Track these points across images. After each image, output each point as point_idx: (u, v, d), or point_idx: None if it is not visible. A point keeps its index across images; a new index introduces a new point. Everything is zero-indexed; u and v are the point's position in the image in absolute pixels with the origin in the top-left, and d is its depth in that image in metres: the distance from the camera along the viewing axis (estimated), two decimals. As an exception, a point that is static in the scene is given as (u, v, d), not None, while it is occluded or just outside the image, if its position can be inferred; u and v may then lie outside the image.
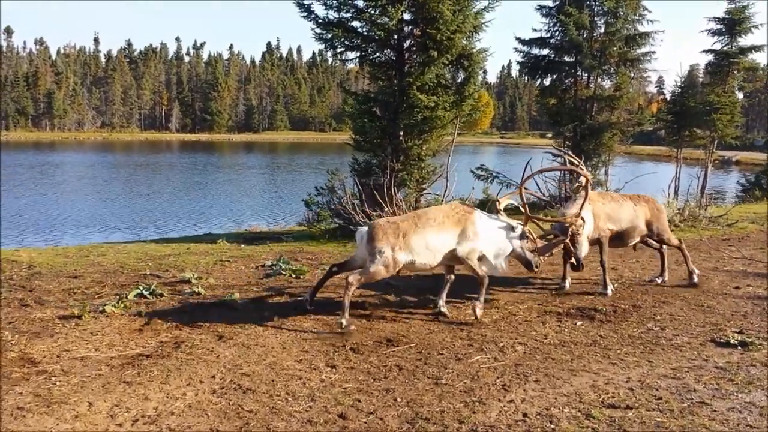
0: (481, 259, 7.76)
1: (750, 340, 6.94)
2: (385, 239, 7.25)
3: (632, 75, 20.41)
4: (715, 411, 5.22)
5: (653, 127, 24.53)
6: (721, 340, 7.03)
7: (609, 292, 9.01)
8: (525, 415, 5.14)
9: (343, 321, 7.15)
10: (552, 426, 4.94)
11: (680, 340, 7.09)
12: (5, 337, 6.75)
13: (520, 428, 4.91)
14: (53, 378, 5.76)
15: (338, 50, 13.94)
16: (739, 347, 6.81)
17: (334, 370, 6.10)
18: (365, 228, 7.56)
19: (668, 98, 27.00)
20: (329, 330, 7.28)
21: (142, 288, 8.54)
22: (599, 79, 19.80)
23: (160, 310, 7.89)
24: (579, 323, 7.67)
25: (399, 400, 5.43)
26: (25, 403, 5.21)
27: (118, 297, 8.23)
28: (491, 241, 7.82)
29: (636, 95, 20.96)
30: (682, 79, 27.19)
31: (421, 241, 7.40)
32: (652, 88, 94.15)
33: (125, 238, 18.57)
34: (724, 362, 6.38)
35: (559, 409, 5.25)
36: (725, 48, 24.64)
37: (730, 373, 6.07)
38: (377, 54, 14.02)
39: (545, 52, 19.58)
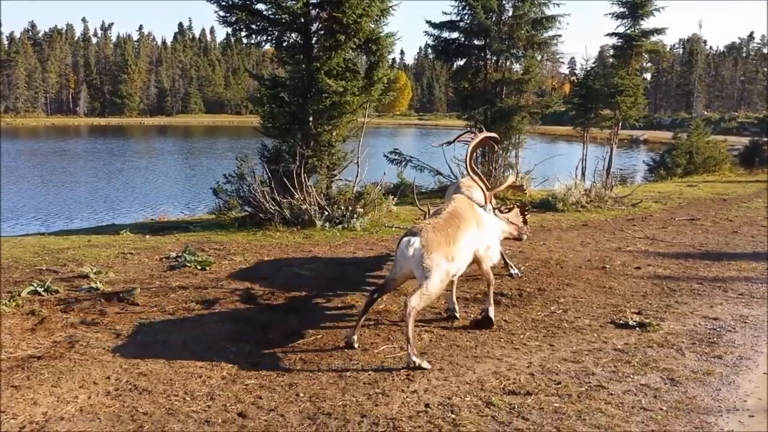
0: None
1: (648, 320, 7.16)
2: (441, 249, 6.14)
3: (540, 58, 20.76)
4: (611, 394, 5.34)
5: (565, 108, 25.06)
6: (621, 322, 7.22)
7: (515, 272, 9.15)
8: (427, 405, 5.13)
9: (416, 359, 5.82)
10: (453, 416, 4.95)
11: (581, 322, 7.25)
12: None
13: (422, 419, 4.90)
14: (-68, 387, 5.41)
15: (243, 34, 13.62)
16: (638, 328, 7.01)
17: (236, 366, 5.94)
18: (416, 239, 6.13)
19: (575, 80, 27.62)
20: (233, 324, 7.10)
21: (36, 285, 8.13)
22: (508, 63, 20.03)
23: (56, 307, 7.53)
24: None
25: (302, 395, 5.34)
26: None
27: (10, 295, 7.80)
28: (493, 229, 7.55)
29: (544, 78, 21.33)
30: (588, 62, 27.90)
31: (465, 244, 6.58)
32: (564, 70, 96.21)
33: (25, 231, 17.73)
34: (623, 344, 6.55)
35: (461, 397, 5.27)
36: (628, 31, 25.34)
37: (628, 355, 6.23)
38: (284, 38, 13.74)
39: (455, 35, 19.67)
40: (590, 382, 5.58)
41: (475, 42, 19.67)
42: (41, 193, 29.91)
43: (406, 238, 6.22)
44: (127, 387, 5.47)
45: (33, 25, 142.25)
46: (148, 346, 6.41)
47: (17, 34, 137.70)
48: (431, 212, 7.46)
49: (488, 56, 19.49)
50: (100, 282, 8.50)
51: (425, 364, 5.81)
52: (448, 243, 6.24)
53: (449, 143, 8.98)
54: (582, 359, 6.12)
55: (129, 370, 5.82)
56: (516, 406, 5.10)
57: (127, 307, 7.67)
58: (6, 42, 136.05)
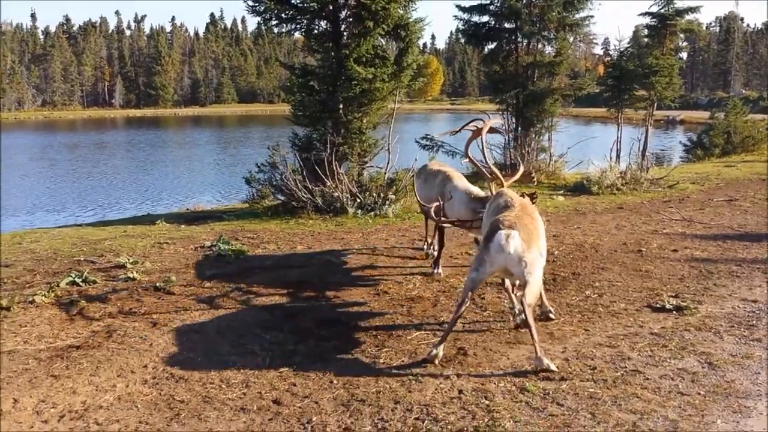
0: None
1: (685, 304, 7.06)
2: (536, 243, 5.77)
3: (572, 40, 20.46)
4: (647, 379, 5.28)
5: (598, 89, 24.66)
6: (657, 305, 7.12)
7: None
8: (460, 391, 5.12)
9: (545, 361, 5.49)
10: (487, 402, 4.93)
11: (617, 306, 7.17)
12: (-74, 334, 6.48)
13: (455, 405, 4.89)
14: (-24, 376, 5.55)
15: (273, 23, 13.63)
16: (674, 312, 6.91)
17: (270, 353, 6.00)
18: (515, 232, 5.62)
19: (608, 61, 27.10)
20: (268, 314, 7.16)
21: (74, 275, 8.28)
22: (539, 45, 19.79)
23: (93, 297, 7.66)
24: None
25: (335, 381, 5.37)
26: (-56, 404, 5.00)
27: (49, 286, 7.97)
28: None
29: (577, 60, 21.00)
30: (621, 42, 27.37)
31: (544, 237, 6.17)
32: (598, 51, 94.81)
33: (65, 222, 18.03)
34: (659, 328, 6.47)
35: (495, 383, 5.25)
36: (662, 10, 24.79)
37: (665, 339, 6.15)
38: (313, 26, 13.73)
39: (485, 19, 19.41)
40: (626, 367, 5.51)
41: (506, 25, 19.43)
42: (81, 185, 30.31)
43: (503, 233, 5.61)
44: (163, 375, 5.55)
45: (68, 19, 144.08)
46: (184, 334, 6.50)
47: (52, 29, 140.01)
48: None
49: (519, 39, 19.25)
50: (137, 272, 8.64)
51: (553, 366, 5.45)
52: (538, 236, 5.88)
53: (455, 132, 8.94)
54: (617, 344, 6.06)
55: (165, 358, 5.91)
56: (550, 392, 5.07)
57: (163, 296, 7.79)
58: (42, 36, 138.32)
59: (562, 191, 15.88)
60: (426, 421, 4.65)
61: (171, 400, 5.10)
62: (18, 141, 59.98)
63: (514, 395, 5.03)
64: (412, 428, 4.58)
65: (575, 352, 5.88)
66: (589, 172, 16.61)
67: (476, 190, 8.04)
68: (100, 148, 51.52)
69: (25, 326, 6.74)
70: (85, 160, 41.98)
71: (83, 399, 5.12)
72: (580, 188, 15.97)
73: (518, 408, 4.82)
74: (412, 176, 13.97)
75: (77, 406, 5.00)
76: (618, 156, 19.85)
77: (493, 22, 19.53)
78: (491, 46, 20.06)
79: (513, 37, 19.33)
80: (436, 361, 5.66)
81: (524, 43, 19.47)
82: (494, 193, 7.09)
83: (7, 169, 36.57)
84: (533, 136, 19.17)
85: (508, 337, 6.29)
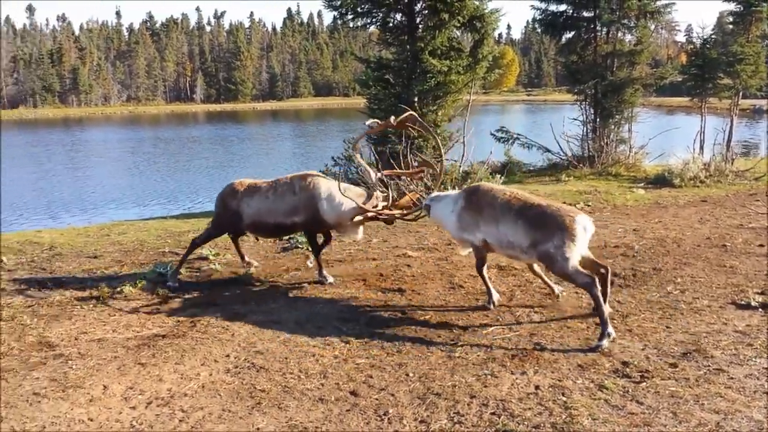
0: None
1: (772, 301, 6.81)
2: None
3: (653, 27, 19.84)
4: (732, 378, 5.14)
5: (681, 78, 23.87)
6: (742, 302, 6.91)
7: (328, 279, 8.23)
8: (537, 387, 5.10)
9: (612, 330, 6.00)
10: (564, 398, 4.90)
11: (700, 303, 6.98)
12: (24, 321, 6.85)
13: (532, 401, 4.88)
14: (70, 362, 5.84)
15: (349, 17, 13.76)
16: (760, 309, 6.69)
17: (347, 345, 6.11)
18: (587, 216, 6.41)
19: (691, 49, 26.12)
20: (344, 305, 7.28)
21: (160, 267, 8.59)
22: (619, 34, 19.23)
23: (178, 288, 7.94)
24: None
25: (411, 374, 5.42)
26: (41, 388, 5.29)
27: (136, 276, 8.31)
28: None
29: (658, 48, 20.34)
30: (704, 30, 26.42)
31: None
32: (681, 38, 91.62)
33: (150, 214, 18.66)
34: (744, 326, 6.27)
35: (572, 380, 5.20)
36: (747, -5, 23.84)
37: (750, 338, 5.96)
38: (388, 19, 13.79)
39: (563, 7, 19.02)
40: (709, 366, 5.37)
41: (584, 14, 19.01)
42: (169, 178, 31.22)
43: (586, 216, 6.32)
44: (245, 365, 5.72)
45: (151, 16, 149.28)
46: (263, 325, 6.68)
47: (136, 26, 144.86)
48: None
49: (598, 28, 18.80)
50: (218, 263, 8.90)
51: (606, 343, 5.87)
52: None
53: (370, 131, 8.75)
54: (700, 342, 5.90)
55: (246, 348, 6.09)
56: (630, 390, 4.99)
57: (244, 287, 8.01)
58: (126, 33, 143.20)
59: (642, 184, 15.47)
60: (502, 417, 4.66)
61: (252, 389, 5.25)
62: (111, 136, 62.25)
63: (592, 392, 4.98)
64: (488, 423, 4.59)
65: (656, 350, 5.76)
66: (671, 164, 16.12)
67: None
68: (191, 142, 52.88)
69: (114, 315, 7.05)
70: (174, 154, 43.12)
71: (169, 386, 5.33)
72: (661, 181, 15.52)
73: (596, 405, 4.77)
74: (486, 169, 13.91)
75: (163, 393, 5.21)
76: (701, 147, 19.24)
77: (570, 11, 19.14)
78: (569, 35, 19.66)
79: (591, 26, 18.90)
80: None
81: (603, 32, 19.00)
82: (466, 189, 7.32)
83: (109, 163, 38.16)
84: (612, 127, 18.73)
85: (587, 334, 6.20)
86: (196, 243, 8.51)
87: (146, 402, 5.07)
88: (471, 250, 7.19)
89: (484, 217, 6.73)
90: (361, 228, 8.30)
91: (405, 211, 8.04)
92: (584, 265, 6.30)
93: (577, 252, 6.17)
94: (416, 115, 8.43)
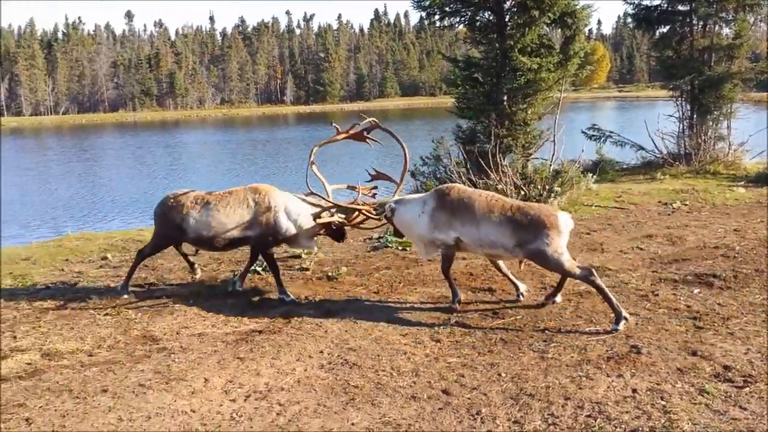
0: None
1: None
2: None
3: (753, 20, 18.98)
4: (840, 385, 4.90)
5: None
6: None
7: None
8: (634, 390, 4.99)
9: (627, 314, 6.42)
10: (663, 402, 4.78)
11: (807, 306, 6.66)
12: (129, 315, 7.20)
13: (629, 404, 4.78)
14: (173, 355, 6.10)
15: (436, 17, 13.78)
16: None
17: (438, 344, 6.14)
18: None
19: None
20: (434, 304, 7.31)
21: (255, 264, 8.83)
22: (716, 27, 18.52)
23: (272, 286, 8.16)
24: (696, 291, 7.32)
25: (503, 375, 5.40)
26: (146, 379, 5.55)
27: (233, 274, 8.59)
28: None
29: (758, 42, 19.44)
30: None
31: None
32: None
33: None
34: None
35: (671, 384, 5.06)
36: None
37: None
38: (476, 17, 13.73)
39: (657, 2, 18.47)
40: (818, 372, 5.13)
41: (680, 7, 18.40)
42: (267, 179, 31.92)
43: (566, 213, 6.76)
44: (338, 361, 5.84)
45: (243, 21, 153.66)
46: (355, 322, 6.79)
47: (229, 30, 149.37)
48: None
49: (694, 21, 18.16)
50: (311, 262, 9.10)
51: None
52: None
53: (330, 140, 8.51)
54: (808, 347, 5.64)
55: (339, 345, 6.21)
56: (732, 395, 4.82)
57: (336, 285, 8.16)
58: (220, 38, 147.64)
59: (742, 182, 14.86)
60: (598, 419, 4.58)
61: (346, 385, 5.35)
62: (210, 138, 64.35)
63: (692, 396, 4.84)
64: (583, 425, 4.53)
65: (759, 354, 5.54)
66: (774, 162, 15.42)
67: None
68: (285, 143, 53.98)
69: (213, 311, 7.30)
70: (272, 155, 43.96)
71: (266, 380, 5.49)
72: (763, 179, 14.86)
73: (697, 410, 4.63)
74: (578, 167, 13.65)
75: (261, 387, 5.37)
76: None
77: (665, 5, 18.56)
78: (663, 29, 19.08)
79: (687, 20, 18.26)
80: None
81: (699, 26, 18.33)
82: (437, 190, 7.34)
83: (210, 164, 39.41)
84: (710, 123, 18.04)
85: (685, 336, 6.02)
86: (144, 254, 8.14)
87: (245, 395, 5.25)
88: (437, 253, 7.37)
89: (460, 217, 6.90)
90: (315, 239, 8.27)
91: (366, 217, 8.01)
92: None
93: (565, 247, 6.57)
94: (377, 121, 8.22)
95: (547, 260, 6.54)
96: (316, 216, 7.80)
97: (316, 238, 8.26)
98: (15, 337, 6.64)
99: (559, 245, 6.48)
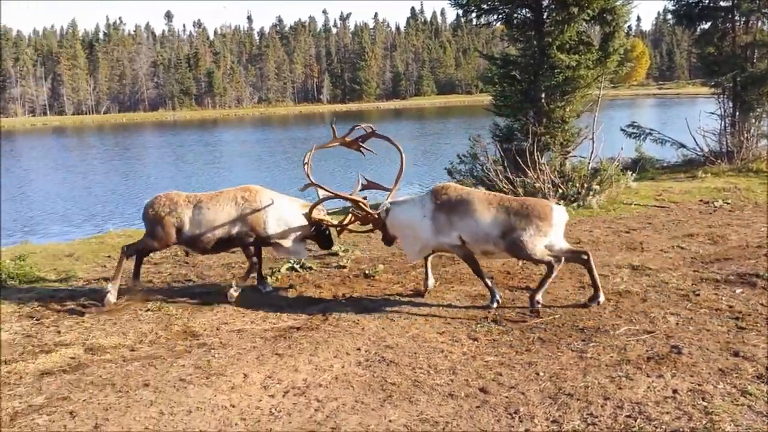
0: None
1: None
2: None
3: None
4: None
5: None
6: None
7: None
8: (675, 391, 4.92)
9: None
10: (704, 403, 4.71)
11: None
12: (170, 311, 7.31)
13: (670, 405, 4.72)
14: (212, 350, 6.19)
15: (473, 15, 13.74)
16: None
17: (476, 342, 6.13)
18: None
19: None
20: (471, 302, 7.30)
21: (293, 262, 8.91)
22: (759, 23, 18.14)
23: (310, 283, 8.23)
24: (738, 291, 7.19)
25: (541, 374, 5.38)
26: (187, 374, 5.64)
27: (271, 271, 8.68)
28: None
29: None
30: None
31: None
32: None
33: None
34: None
35: (713, 385, 4.99)
36: None
37: None
38: (514, 15, 13.66)
39: (698, -3, 18.24)
40: None
41: (722, 3, 18.06)
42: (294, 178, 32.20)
43: (561, 206, 7.15)
44: (375, 358, 5.87)
45: (280, 20, 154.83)
46: (392, 320, 6.81)
47: (266, 30, 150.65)
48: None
49: (736, 17, 17.80)
50: (348, 260, 9.15)
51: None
52: None
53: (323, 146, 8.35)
54: None
55: (377, 342, 6.23)
56: (776, 397, 4.74)
57: (373, 282, 8.20)
58: (257, 37, 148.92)
59: (787, 181, 14.56)
60: (638, 420, 4.54)
61: (383, 382, 5.37)
62: (249, 137, 64.84)
63: (734, 398, 4.76)
64: (623, 426, 4.48)
65: (805, 356, 5.43)
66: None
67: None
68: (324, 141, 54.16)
69: (251, 308, 7.39)
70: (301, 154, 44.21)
71: (304, 377, 5.54)
72: (808, 178, 14.55)
73: (739, 411, 4.56)
74: (617, 165, 13.48)
75: (299, 383, 5.42)
76: None
77: (707, 1, 18.25)
78: (705, 25, 18.73)
79: (729, 16, 17.91)
80: None
81: (742, 22, 17.97)
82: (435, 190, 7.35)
83: (249, 162, 39.76)
84: (753, 121, 17.68)
85: (727, 337, 5.92)
86: (132, 253, 7.91)
87: (284, 391, 5.30)
88: (424, 255, 7.50)
89: (459, 213, 6.99)
90: (303, 246, 8.14)
91: (362, 213, 7.92)
92: (563, 252, 7.01)
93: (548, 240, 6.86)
94: (373, 128, 8.10)
95: (524, 249, 6.79)
96: (311, 208, 7.77)
97: (303, 245, 8.13)
98: (59, 332, 6.80)
99: (544, 233, 6.77)
